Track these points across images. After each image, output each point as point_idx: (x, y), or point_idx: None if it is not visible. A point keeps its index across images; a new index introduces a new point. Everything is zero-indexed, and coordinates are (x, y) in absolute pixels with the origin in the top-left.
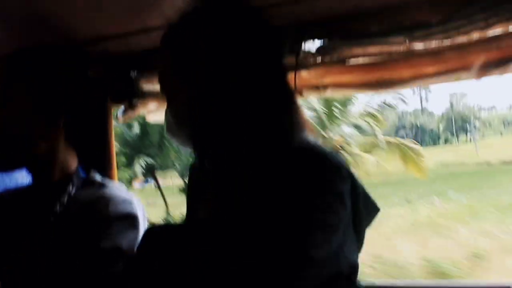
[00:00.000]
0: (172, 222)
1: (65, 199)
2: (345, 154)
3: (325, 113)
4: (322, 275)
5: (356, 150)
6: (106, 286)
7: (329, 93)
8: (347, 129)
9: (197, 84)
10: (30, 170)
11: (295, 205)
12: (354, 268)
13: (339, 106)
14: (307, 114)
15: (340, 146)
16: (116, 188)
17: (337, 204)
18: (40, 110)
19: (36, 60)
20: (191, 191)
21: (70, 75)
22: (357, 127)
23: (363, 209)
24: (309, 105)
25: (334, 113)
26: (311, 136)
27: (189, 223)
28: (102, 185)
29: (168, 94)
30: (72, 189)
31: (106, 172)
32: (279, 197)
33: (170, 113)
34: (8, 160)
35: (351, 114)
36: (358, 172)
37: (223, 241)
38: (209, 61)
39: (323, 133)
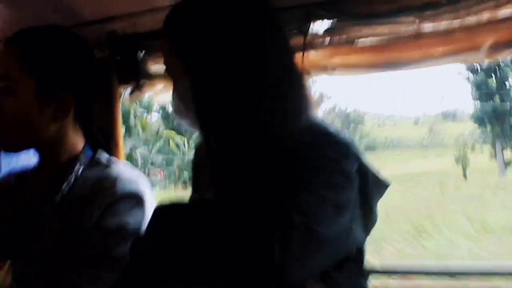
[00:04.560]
0: (181, 200)
1: (72, 178)
2: None
3: None
4: (331, 255)
5: None
6: (112, 264)
7: (338, 74)
8: None
9: (198, 66)
10: (38, 151)
11: (303, 185)
12: (362, 248)
13: None
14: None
15: None
16: (123, 167)
17: (345, 183)
18: (49, 92)
19: (43, 39)
20: (196, 172)
21: (78, 55)
22: None
23: (373, 186)
24: None
25: None
26: (319, 116)
27: (197, 202)
28: (108, 165)
29: (172, 76)
30: (79, 169)
31: (113, 152)
32: (287, 177)
33: (175, 95)
34: (16, 142)
35: None
36: None
37: (228, 220)
38: (210, 43)
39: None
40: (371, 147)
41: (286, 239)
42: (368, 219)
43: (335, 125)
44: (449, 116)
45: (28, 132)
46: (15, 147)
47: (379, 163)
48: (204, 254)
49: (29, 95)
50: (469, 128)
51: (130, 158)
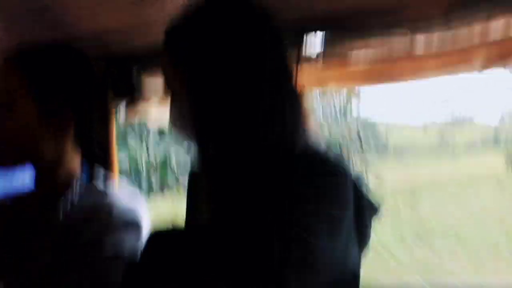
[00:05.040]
0: (175, 226)
1: (68, 206)
2: None
3: None
4: (326, 279)
5: None
6: None
7: (331, 87)
8: None
9: (198, 77)
10: (36, 168)
11: (299, 210)
12: (357, 271)
13: None
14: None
15: None
16: (120, 195)
17: (340, 209)
18: (49, 108)
19: (42, 55)
20: (191, 196)
21: (78, 71)
22: None
23: (367, 211)
24: None
25: None
26: (314, 135)
27: (191, 227)
28: (105, 193)
29: (171, 89)
30: (75, 197)
31: (108, 169)
32: (282, 201)
33: (174, 109)
34: (15, 159)
35: None
36: None
37: (225, 244)
38: (210, 55)
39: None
40: (384, 154)
41: (282, 265)
42: (362, 241)
43: (329, 147)
44: (459, 122)
45: (27, 148)
46: (14, 164)
47: (398, 170)
48: (200, 274)
49: (29, 111)
50: (479, 134)
51: (164, 165)
